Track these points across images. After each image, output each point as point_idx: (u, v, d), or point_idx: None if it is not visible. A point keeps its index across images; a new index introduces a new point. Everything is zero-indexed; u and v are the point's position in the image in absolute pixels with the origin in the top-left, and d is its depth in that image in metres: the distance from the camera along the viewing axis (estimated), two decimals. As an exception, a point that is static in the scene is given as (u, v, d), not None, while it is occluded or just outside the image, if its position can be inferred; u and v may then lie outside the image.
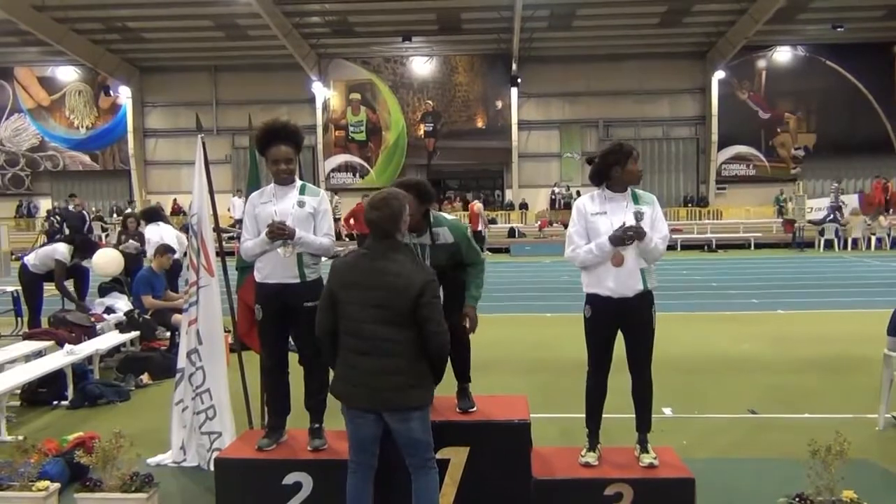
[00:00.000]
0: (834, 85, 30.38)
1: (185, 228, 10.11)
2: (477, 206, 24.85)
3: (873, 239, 24.73)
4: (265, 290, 4.60)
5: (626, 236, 4.22)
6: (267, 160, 4.61)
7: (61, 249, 9.58)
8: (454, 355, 4.72)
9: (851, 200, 27.66)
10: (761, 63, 31.02)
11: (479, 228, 23.40)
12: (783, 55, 30.99)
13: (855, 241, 24.66)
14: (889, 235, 24.86)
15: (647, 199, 4.46)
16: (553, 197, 30.82)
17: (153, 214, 11.16)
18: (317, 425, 4.60)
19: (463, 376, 4.76)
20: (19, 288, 10.24)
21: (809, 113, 31.20)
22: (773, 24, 26.94)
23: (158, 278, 9.47)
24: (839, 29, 28.18)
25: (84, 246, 9.94)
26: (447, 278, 4.56)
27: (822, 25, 28.35)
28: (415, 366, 3.70)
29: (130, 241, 11.35)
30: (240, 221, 6.26)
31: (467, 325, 4.60)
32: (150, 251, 10.14)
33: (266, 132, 4.60)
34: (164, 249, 9.57)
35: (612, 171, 4.39)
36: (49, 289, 10.08)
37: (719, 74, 30.27)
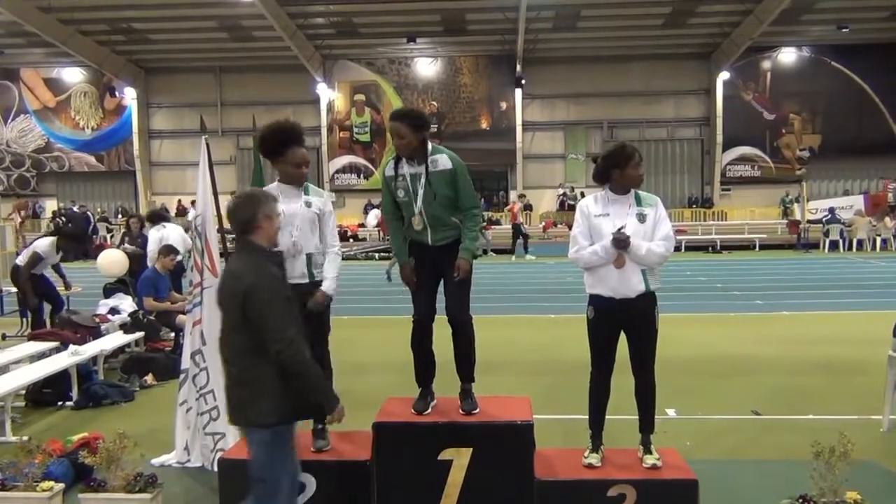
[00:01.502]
0: (839, 86, 30.31)
1: (188, 228, 10.17)
2: (518, 206, 25.21)
3: (878, 240, 24.65)
4: None
5: (618, 240, 4.22)
6: (283, 162, 4.50)
7: (44, 243, 9.64)
8: (457, 352, 4.72)
9: (857, 201, 27.60)
10: (766, 64, 30.98)
11: (519, 223, 24.04)
12: (788, 56, 30.94)
13: (860, 243, 24.59)
14: (894, 236, 24.78)
15: (650, 200, 4.44)
16: (562, 199, 30.74)
17: (157, 217, 11.16)
18: (320, 426, 4.60)
19: (466, 376, 4.72)
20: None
21: (814, 114, 31.14)
22: (778, 25, 26.92)
23: (162, 279, 9.48)
24: (844, 30, 28.12)
25: (74, 237, 9.95)
26: (451, 263, 4.55)
27: (827, 26, 28.30)
28: (247, 377, 3.43)
29: (126, 244, 11.36)
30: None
31: (456, 276, 4.47)
32: (151, 254, 10.12)
33: (284, 133, 4.52)
34: (168, 250, 9.58)
35: (611, 173, 4.40)
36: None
37: (724, 75, 30.25)
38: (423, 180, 4.50)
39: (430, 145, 4.54)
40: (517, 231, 24.12)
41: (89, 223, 26.53)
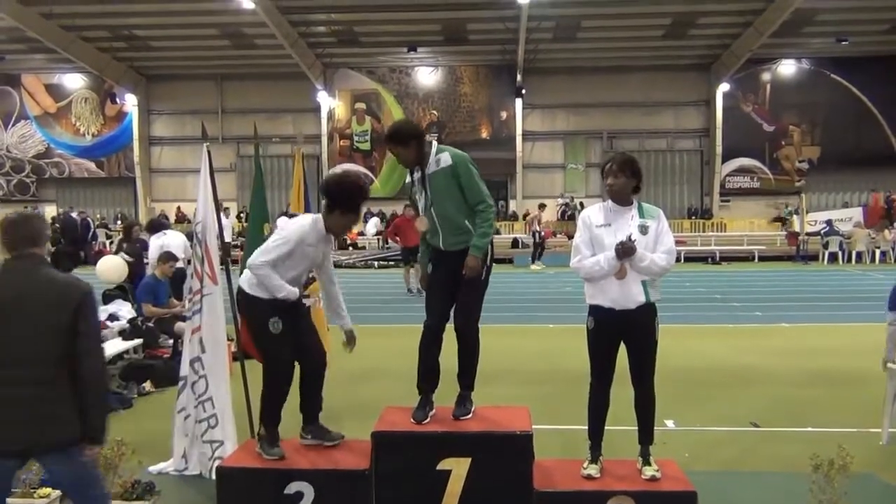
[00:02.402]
0: (838, 98, 30.40)
1: (189, 236, 10.17)
2: (539, 214, 25.28)
3: (877, 252, 24.66)
4: (284, 303, 4.52)
5: (617, 251, 4.23)
6: (347, 217, 4.56)
7: None
8: (460, 361, 4.71)
9: (856, 213, 27.63)
10: (766, 76, 31.08)
11: (537, 230, 24.10)
12: (788, 68, 31.05)
13: (859, 255, 24.59)
14: (893, 249, 24.79)
15: (652, 212, 4.45)
16: (563, 209, 30.71)
17: (157, 226, 11.31)
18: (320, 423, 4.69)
19: (465, 384, 4.72)
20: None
21: (814, 126, 31.22)
22: (778, 38, 27.01)
23: (162, 286, 9.49)
24: (844, 42, 28.24)
25: None
26: (459, 284, 4.54)
27: (826, 39, 28.40)
28: (58, 393, 3.27)
29: (122, 253, 11.42)
30: (229, 244, 6.26)
31: (465, 273, 4.49)
32: (152, 261, 10.24)
33: (365, 196, 4.65)
34: (167, 257, 9.59)
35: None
36: None
37: (724, 87, 30.34)
38: (428, 180, 4.57)
39: (434, 147, 4.60)
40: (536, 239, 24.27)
41: (89, 229, 26.50)
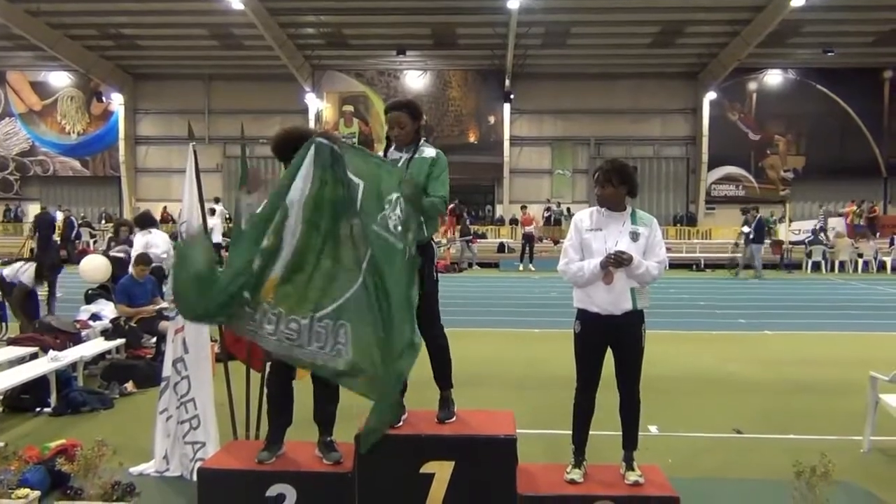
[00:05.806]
0: (823, 109, 30.69)
1: (174, 236, 10.13)
2: (528, 215, 25.53)
3: (860, 262, 24.85)
4: None
5: (608, 262, 4.23)
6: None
7: (28, 273, 10.02)
8: (432, 362, 4.68)
9: (838, 223, 27.85)
10: (752, 85, 31.33)
11: (530, 230, 24.41)
12: (774, 78, 31.32)
13: (842, 264, 24.77)
14: (875, 259, 25.00)
15: (645, 220, 4.45)
16: (547, 214, 30.79)
17: (145, 221, 11.26)
18: (329, 438, 4.52)
19: (444, 385, 4.68)
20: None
21: (799, 136, 31.49)
22: (765, 48, 27.23)
23: (139, 286, 9.31)
24: (829, 53, 28.52)
25: (50, 269, 10.31)
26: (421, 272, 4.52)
27: (812, 50, 28.68)
28: None
29: (114, 250, 11.41)
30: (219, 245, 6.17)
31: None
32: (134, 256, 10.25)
33: (288, 137, 4.58)
34: (140, 259, 9.47)
35: None
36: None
37: (711, 95, 30.55)
38: (408, 165, 4.53)
39: (423, 139, 4.65)
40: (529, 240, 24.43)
41: (73, 228, 26.24)
